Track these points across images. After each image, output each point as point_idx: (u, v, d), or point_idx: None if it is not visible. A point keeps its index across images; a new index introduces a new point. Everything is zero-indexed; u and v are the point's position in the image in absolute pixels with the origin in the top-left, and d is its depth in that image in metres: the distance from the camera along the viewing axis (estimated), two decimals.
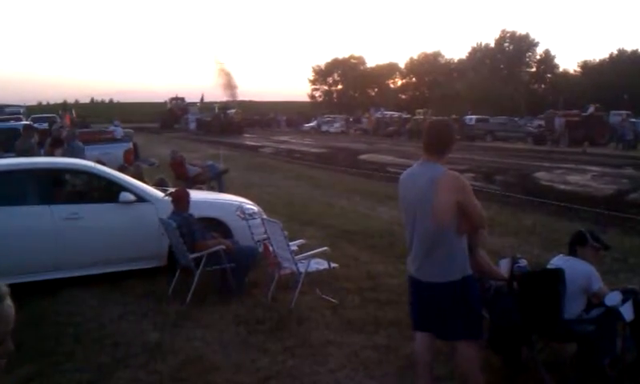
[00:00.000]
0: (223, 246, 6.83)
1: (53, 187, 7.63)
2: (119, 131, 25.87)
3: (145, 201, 7.58)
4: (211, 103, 70.46)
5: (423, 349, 4.23)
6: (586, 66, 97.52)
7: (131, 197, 7.47)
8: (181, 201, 7.13)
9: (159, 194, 7.89)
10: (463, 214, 3.83)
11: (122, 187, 7.57)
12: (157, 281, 7.25)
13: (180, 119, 66.02)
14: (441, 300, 3.91)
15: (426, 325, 4.12)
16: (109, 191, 7.58)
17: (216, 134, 49.39)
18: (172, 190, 7.97)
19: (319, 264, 6.74)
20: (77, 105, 76.69)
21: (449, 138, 3.99)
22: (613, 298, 4.55)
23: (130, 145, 18.41)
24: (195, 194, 7.91)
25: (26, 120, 26.02)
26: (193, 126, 60.16)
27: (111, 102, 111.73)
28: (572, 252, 4.96)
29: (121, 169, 10.39)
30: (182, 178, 13.79)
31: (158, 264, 7.50)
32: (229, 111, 59.44)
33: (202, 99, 43.56)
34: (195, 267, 6.71)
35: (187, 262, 6.75)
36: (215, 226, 7.61)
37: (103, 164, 8.70)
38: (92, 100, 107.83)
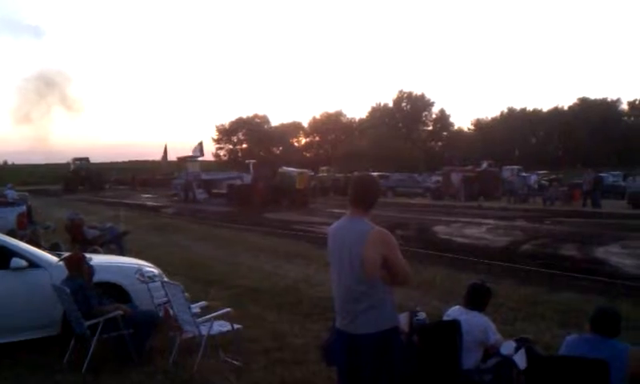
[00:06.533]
0: (121, 312, 6.59)
1: None
2: (12, 194, 24.73)
3: (37, 266, 7.23)
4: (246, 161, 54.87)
5: None
6: (478, 124, 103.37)
7: (23, 263, 7.11)
8: (75, 265, 6.86)
9: (53, 258, 7.56)
10: (389, 269, 3.88)
11: (13, 253, 7.20)
12: (51, 351, 6.88)
13: (85, 181, 58.77)
14: (368, 351, 3.90)
15: (351, 381, 4.06)
16: None
17: (256, 206, 31.98)
18: (67, 254, 7.66)
19: (222, 326, 6.62)
20: None
21: (374, 192, 4.06)
22: (507, 347, 4.76)
23: (24, 208, 17.60)
24: (92, 258, 7.64)
25: None
26: (201, 194, 41.83)
27: (5, 164, 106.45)
28: (468, 304, 5.15)
29: (12, 233, 9.89)
30: (78, 241, 13.26)
31: (52, 333, 7.12)
32: (282, 169, 38.99)
33: (201, 149, 36.79)
34: (91, 335, 6.42)
35: (83, 329, 6.45)
36: (113, 290, 7.35)
37: None
38: None
